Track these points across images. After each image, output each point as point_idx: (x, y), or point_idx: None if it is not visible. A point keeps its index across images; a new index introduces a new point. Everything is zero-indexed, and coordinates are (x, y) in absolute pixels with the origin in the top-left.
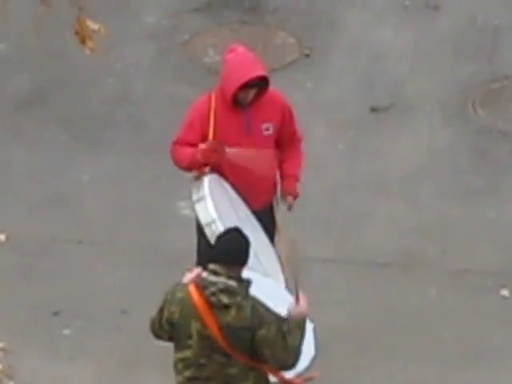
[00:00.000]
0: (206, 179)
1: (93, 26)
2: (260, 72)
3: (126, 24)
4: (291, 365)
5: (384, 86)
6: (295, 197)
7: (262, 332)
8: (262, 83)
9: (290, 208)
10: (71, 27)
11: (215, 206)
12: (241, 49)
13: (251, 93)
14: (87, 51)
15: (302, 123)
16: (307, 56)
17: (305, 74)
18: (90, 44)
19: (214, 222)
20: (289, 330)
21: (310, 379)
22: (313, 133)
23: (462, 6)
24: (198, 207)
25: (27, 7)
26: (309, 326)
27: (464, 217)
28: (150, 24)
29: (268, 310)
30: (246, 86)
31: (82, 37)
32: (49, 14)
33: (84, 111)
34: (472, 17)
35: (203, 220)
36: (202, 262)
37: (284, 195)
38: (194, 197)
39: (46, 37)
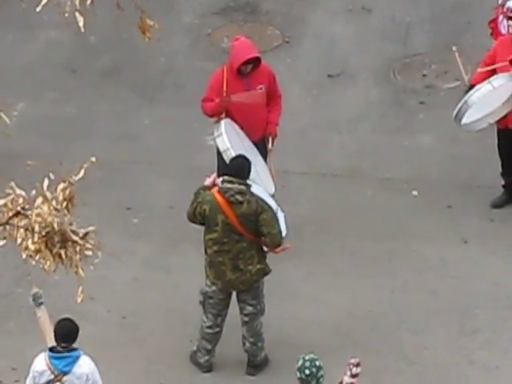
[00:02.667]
0: (223, 122)
1: (150, 22)
2: (255, 54)
3: (171, 22)
4: (279, 240)
5: (336, 60)
6: (274, 137)
7: (263, 216)
8: (256, 60)
9: (271, 147)
10: (136, 23)
11: (229, 140)
12: (243, 38)
13: (249, 67)
14: (146, 39)
15: (283, 85)
16: (287, 42)
17: (285, 53)
18: (148, 34)
19: (228, 149)
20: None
21: (285, 248)
22: (291, 91)
23: (386, 9)
24: (218, 140)
25: (107, 11)
26: (280, 215)
27: (388, 144)
28: (187, 22)
29: (264, 201)
30: (245, 63)
31: (143, 30)
32: (121, 15)
33: (145, 79)
34: (392, 16)
35: (221, 148)
36: (220, 174)
37: (267, 136)
38: (215, 133)
39: (120, 30)
